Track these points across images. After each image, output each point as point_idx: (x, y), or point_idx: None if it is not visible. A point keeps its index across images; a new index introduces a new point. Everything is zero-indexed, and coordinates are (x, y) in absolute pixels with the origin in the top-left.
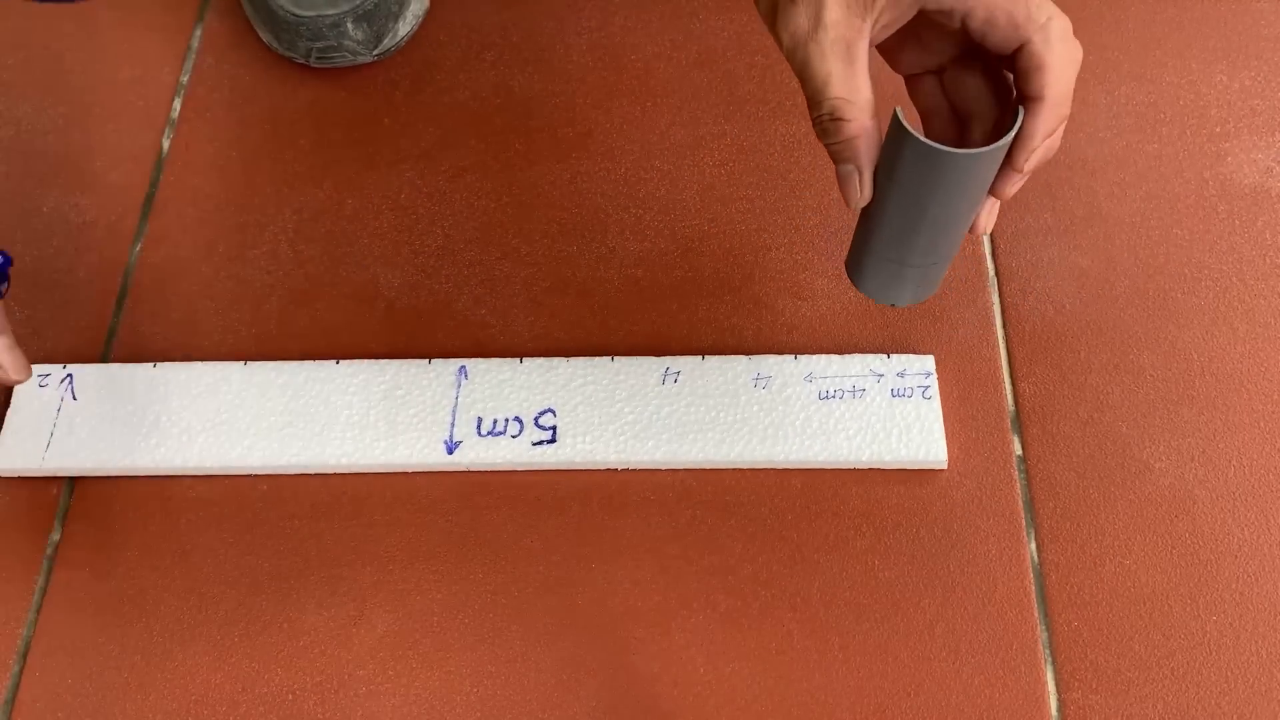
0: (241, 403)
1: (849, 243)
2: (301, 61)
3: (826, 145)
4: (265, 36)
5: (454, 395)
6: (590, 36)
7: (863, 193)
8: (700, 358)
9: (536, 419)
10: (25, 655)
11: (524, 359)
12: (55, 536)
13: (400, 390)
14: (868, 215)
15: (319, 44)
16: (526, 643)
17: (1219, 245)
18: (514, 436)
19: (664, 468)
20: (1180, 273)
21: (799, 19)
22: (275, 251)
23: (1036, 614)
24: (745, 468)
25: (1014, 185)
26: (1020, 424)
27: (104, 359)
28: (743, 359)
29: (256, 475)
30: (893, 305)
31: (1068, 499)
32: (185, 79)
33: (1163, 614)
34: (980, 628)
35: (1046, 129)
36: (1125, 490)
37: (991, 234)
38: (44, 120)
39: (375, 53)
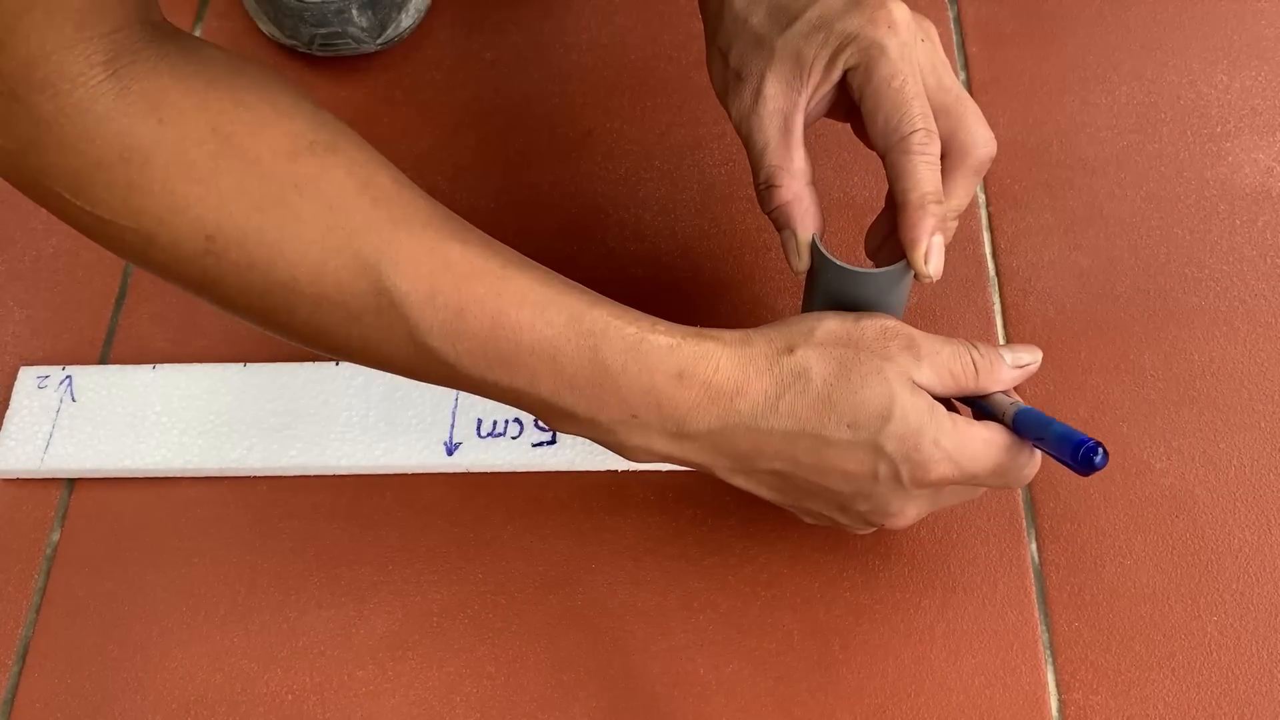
0: (241, 404)
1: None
2: (304, 50)
3: (766, 213)
4: (266, 28)
5: (454, 396)
6: (590, 36)
7: (801, 258)
8: None
9: (536, 420)
10: (25, 655)
11: None
12: (55, 537)
13: (400, 392)
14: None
15: (322, 30)
16: (526, 643)
17: (1219, 245)
18: (514, 438)
19: (664, 468)
20: (1181, 273)
21: (744, 94)
22: None
23: (1036, 614)
24: None
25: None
26: None
27: (103, 360)
28: None
29: (256, 477)
30: None
31: (1068, 499)
32: None
33: (1163, 614)
34: (980, 628)
35: (928, 229)
36: (1125, 490)
37: (991, 234)
38: None
39: (379, 41)
